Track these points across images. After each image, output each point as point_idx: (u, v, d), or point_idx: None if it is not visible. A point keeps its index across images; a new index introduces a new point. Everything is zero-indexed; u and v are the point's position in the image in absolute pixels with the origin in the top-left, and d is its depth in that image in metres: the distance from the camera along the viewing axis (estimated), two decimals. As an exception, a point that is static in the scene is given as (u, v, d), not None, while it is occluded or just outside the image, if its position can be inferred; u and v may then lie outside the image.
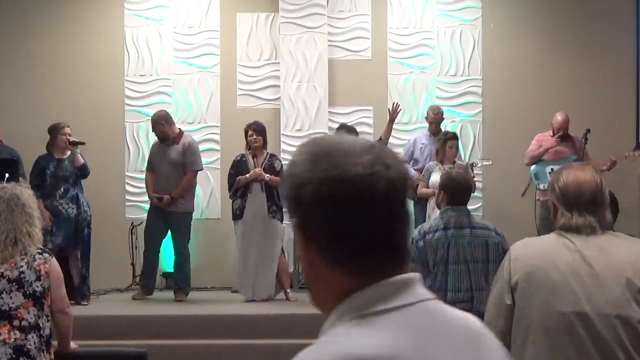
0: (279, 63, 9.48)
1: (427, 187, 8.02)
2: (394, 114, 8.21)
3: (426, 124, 9.18)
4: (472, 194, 5.21)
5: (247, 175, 7.91)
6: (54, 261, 4.00)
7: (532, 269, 2.64)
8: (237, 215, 7.99)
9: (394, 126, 9.47)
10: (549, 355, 2.57)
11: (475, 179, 8.15)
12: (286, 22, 9.44)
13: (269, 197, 7.93)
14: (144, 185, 8.49)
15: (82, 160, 7.85)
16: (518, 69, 9.57)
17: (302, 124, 9.35)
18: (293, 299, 7.98)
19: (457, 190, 4.57)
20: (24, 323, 3.84)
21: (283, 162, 8.13)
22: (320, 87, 9.40)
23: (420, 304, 1.40)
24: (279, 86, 9.47)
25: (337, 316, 1.41)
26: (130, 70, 9.56)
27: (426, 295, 1.43)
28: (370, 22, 9.57)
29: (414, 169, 8.71)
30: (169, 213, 8.08)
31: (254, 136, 8.03)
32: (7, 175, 7.16)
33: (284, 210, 8.05)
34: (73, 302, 6.36)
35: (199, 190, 9.22)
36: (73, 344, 4.13)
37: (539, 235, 8.15)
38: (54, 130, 7.91)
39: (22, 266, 3.89)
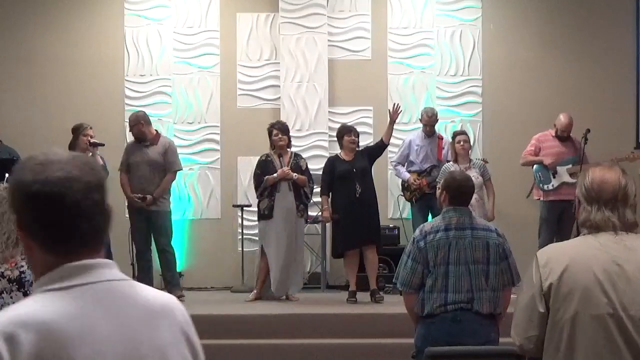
0: (279, 63, 9.48)
1: None
2: (394, 115, 8.20)
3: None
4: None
5: (275, 174, 7.93)
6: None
7: (564, 272, 2.62)
8: (266, 215, 7.99)
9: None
10: (583, 358, 2.57)
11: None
12: (286, 22, 9.44)
13: (297, 196, 7.98)
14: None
15: (100, 162, 7.86)
16: (518, 69, 9.57)
17: (302, 124, 9.35)
18: (294, 299, 7.99)
19: (459, 190, 4.56)
20: (24, 323, 3.85)
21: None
22: (320, 87, 9.41)
23: (102, 284, 1.73)
24: (279, 86, 9.48)
25: (33, 290, 1.75)
26: (130, 70, 9.57)
27: (113, 277, 1.76)
28: (370, 22, 9.58)
29: (410, 171, 8.69)
30: (151, 213, 8.07)
31: (279, 135, 8.04)
32: (7, 175, 7.17)
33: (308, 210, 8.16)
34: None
35: (198, 190, 9.24)
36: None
37: (539, 235, 8.21)
38: (77, 131, 8.00)
39: (22, 266, 3.89)
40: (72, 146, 7.95)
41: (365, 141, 8.53)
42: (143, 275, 8.20)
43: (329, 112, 9.45)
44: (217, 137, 9.53)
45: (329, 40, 9.48)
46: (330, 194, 8.12)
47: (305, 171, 8.09)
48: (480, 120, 9.56)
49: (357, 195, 7.90)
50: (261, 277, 8.13)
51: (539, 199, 8.40)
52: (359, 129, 8.53)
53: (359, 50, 9.57)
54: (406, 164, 8.81)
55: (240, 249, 9.03)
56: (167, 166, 8.19)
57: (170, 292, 8.10)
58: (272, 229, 7.96)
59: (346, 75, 9.55)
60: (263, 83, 9.56)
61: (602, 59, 9.50)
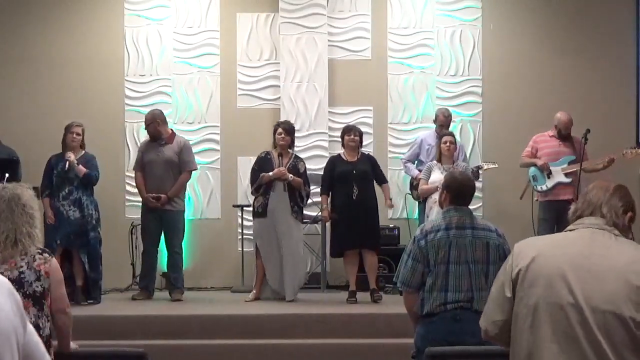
0: (279, 63, 9.48)
1: (427, 184, 8.05)
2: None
3: (428, 124, 9.20)
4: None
5: (271, 173, 7.91)
6: (54, 261, 4.00)
7: (533, 260, 2.68)
8: (259, 212, 7.99)
9: (393, 126, 9.52)
10: (544, 345, 2.59)
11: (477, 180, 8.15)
12: (286, 22, 9.44)
13: (292, 197, 7.95)
14: (144, 186, 8.44)
15: (84, 170, 7.84)
16: (518, 69, 9.57)
17: (302, 124, 9.35)
18: (294, 299, 7.99)
19: (460, 190, 4.56)
20: (23, 323, 3.85)
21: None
22: (320, 87, 9.40)
23: None
24: (279, 86, 9.47)
25: None
26: (130, 70, 9.56)
27: None
28: (370, 22, 9.58)
29: (419, 170, 8.72)
30: (164, 212, 8.07)
31: (283, 135, 8.03)
32: (7, 175, 7.17)
33: (303, 211, 8.12)
34: (73, 301, 6.36)
35: (198, 190, 9.23)
36: (73, 344, 4.12)
37: (536, 235, 8.20)
38: (66, 129, 7.99)
39: (22, 266, 3.88)
40: (63, 143, 8.00)
41: (365, 141, 8.52)
42: (145, 274, 8.20)
43: (329, 112, 9.44)
44: (217, 137, 9.53)
45: (329, 40, 9.48)
46: (330, 193, 8.13)
47: (303, 174, 8.06)
48: (480, 120, 9.56)
49: (354, 197, 7.89)
50: (259, 276, 8.13)
51: (537, 200, 8.42)
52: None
53: (359, 50, 9.57)
54: (416, 162, 8.83)
55: (240, 249, 9.03)
56: (182, 165, 8.19)
57: (171, 293, 8.13)
58: (264, 228, 7.96)
59: (346, 75, 9.55)
60: (263, 83, 9.55)
61: (602, 59, 9.50)
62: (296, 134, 8.84)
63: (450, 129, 8.84)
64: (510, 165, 8.73)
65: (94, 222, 7.89)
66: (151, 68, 9.56)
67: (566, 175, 8.31)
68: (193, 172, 8.42)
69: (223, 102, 9.56)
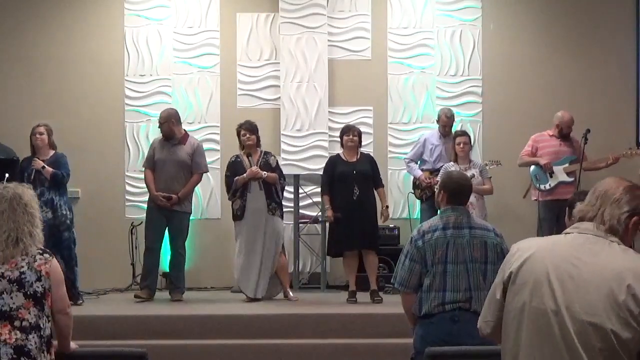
0: (279, 63, 9.48)
1: None
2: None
3: (428, 124, 9.21)
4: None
5: (244, 175, 7.91)
6: (54, 262, 4.00)
7: (524, 263, 2.67)
8: (238, 215, 7.97)
9: (393, 126, 9.52)
10: (527, 351, 2.59)
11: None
12: (286, 22, 9.45)
13: (268, 194, 7.93)
14: (144, 185, 8.40)
15: (50, 170, 7.73)
16: (518, 69, 9.58)
17: (302, 124, 9.36)
18: (293, 299, 7.99)
19: (456, 190, 4.56)
20: (24, 323, 3.84)
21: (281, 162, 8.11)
22: (320, 87, 9.41)
23: None
24: (279, 86, 9.48)
25: None
26: (130, 70, 9.57)
27: None
28: (370, 22, 9.58)
29: (422, 169, 8.72)
30: (171, 212, 8.06)
31: (247, 135, 8.01)
32: (7, 175, 7.16)
33: (283, 207, 8.08)
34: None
35: (198, 190, 9.23)
36: (73, 344, 4.13)
37: (538, 235, 8.20)
38: (31, 132, 7.86)
39: (22, 267, 3.89)
40: (31, 147, 7.83)
41: (365, 141, 8.52)
42: (148, 274, 8.14)
43: (329, 112, 9.45)
44: (217, 137, 9.54)
45: (329, 40, 9.48)
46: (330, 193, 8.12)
47: (276, 168, 8.03)
48: (480, 120, 9.56)
49: (355, 198, 7.89)
50: None
51: (537, 199, 8.40)
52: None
53: (359, 50, 9.58)
54: (419, 162, 8.83)
55: (240, 249, 9.02)
56: (194, 167, 8.17)
57: (171, 293, 8.11)
58: (243, 230, 7.93)
59: (346, 75, 9.55)
60: (263, 83, 9.56)
61: (602, 58, 9.51)
62: (296, 134, 8.87)
63: (451, 128, 8.84)
64: (510, 165, 8.73)
65: (67, 222, 7.72)
66: (151, 68, 9.57)
67: (568, 174, 8.31)
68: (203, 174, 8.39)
69: (223, 102, 9.56)
